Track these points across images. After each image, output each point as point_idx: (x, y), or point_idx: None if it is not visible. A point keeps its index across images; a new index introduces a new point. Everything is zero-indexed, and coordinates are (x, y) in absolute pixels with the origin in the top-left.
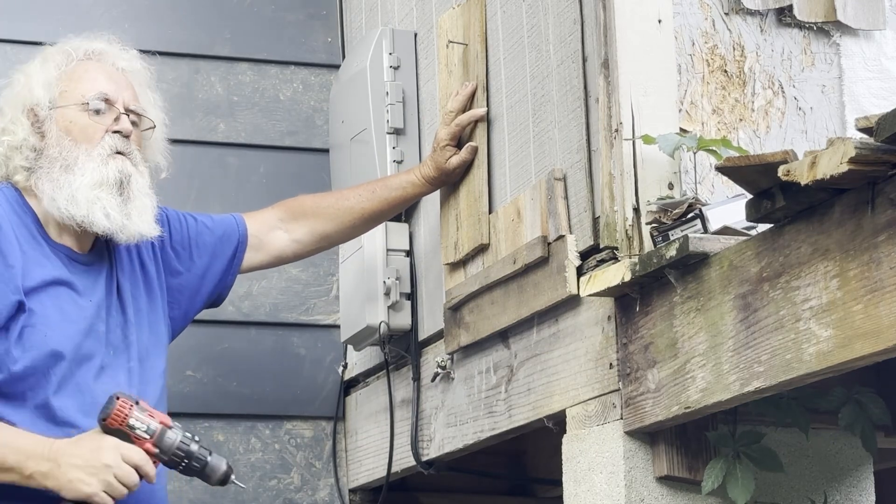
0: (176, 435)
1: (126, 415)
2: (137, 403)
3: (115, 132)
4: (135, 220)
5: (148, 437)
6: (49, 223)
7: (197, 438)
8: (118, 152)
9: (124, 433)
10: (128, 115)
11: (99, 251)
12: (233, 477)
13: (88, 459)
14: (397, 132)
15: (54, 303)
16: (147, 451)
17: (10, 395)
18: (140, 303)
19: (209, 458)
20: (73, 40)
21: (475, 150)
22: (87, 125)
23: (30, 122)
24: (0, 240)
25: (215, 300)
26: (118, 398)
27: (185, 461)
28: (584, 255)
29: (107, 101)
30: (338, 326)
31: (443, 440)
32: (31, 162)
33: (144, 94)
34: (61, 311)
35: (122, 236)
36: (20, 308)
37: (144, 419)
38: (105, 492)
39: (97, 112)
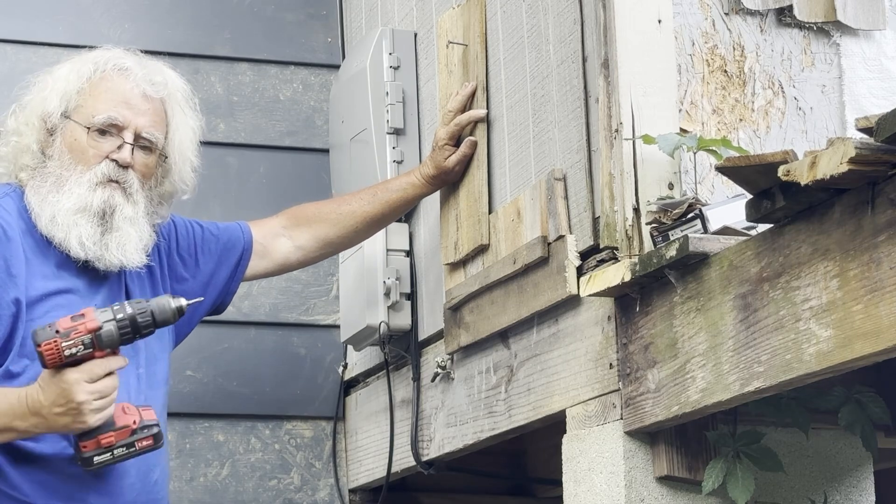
0: (109, 325)
1: (58, 352)
2: (58, 332)
3: (113, 160)
4: (112, 251)
5: (90, 350)
6: None
7: (127, 302)
8: (112, 180)
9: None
10: (135, 144)
11: None
12: (184, 303)
13: (64, 405)
14: (397, 132)
15: (57, 312)
16: (100, 357)
17: None
18: None
19: (151, 307)
20: (109, 50)
21: (474, 145)
22: (87, 147)
23: (42, 128)
24: (4, 250)
25: (219, 307)
26: (38, 345)
27: (135, 331)
28: (584, 256)
29: (115, 125)
30: (338, 326)
31: (443, 440)
32: (37, 164)
33: (175, 116)
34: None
35: (99, 265)
36: (21, 318)
37: (75, 340)
38: (98, 413)
39: (101, 135)
